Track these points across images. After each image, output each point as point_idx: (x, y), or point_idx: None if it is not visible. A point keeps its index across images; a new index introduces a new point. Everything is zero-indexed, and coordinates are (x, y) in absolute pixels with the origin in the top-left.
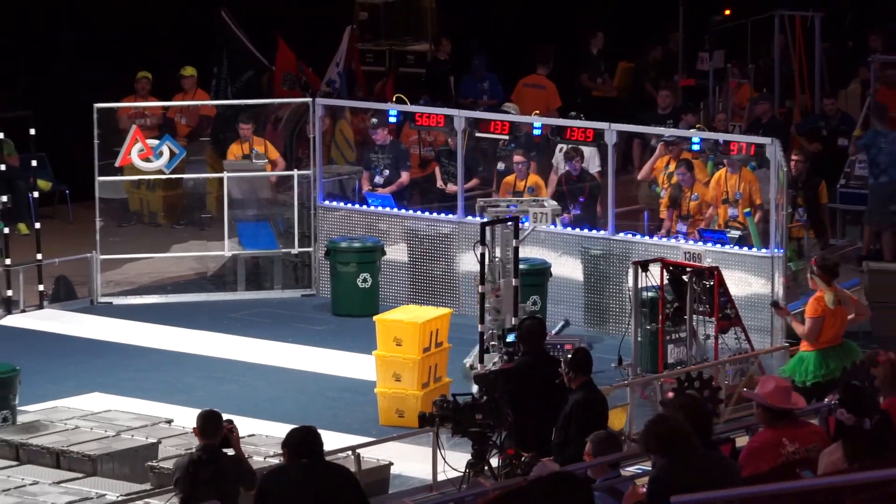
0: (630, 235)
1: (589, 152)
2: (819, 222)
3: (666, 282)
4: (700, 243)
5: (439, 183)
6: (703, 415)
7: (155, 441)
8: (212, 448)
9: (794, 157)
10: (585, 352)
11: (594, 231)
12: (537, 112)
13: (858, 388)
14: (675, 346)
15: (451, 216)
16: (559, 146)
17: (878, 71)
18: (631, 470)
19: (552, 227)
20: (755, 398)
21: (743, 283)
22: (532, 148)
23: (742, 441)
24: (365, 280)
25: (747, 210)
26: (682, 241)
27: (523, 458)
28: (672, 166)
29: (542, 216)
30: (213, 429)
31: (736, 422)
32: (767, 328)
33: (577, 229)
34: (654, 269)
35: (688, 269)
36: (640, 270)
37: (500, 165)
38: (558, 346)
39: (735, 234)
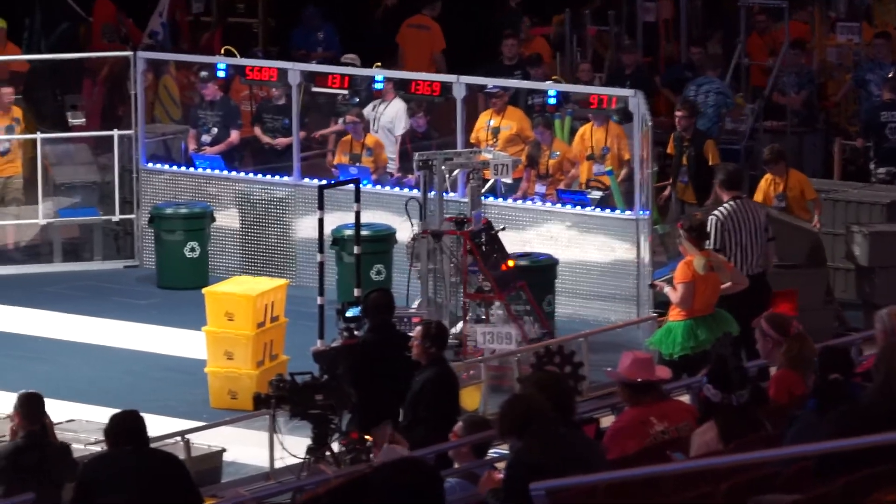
0: (482, 198)
1: (395, 111)
2: (704, 184)
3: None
4: (559, 205)
5: (264, 140)
6: (563, 392)
7: None
8: (35, 434)
9: (678, 113)
10: (442, 325)
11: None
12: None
13: (725, 362)
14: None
15: (286, 178)
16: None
17: (748, 17)
18: (491, 453)
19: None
20: (613, 376)
21: (605, 248)
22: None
23: (607, 421)
24: (193, 249)
25: (609, 168)
26: (540, 202)
27: (367, 443)
28: (495, 120)
29: (503, 168)
30: (36, 413)
31: (600, 400)
32: (633, 297)
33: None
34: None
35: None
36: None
37: (340, 122)
38: (405, 320)
39: (597, 194)
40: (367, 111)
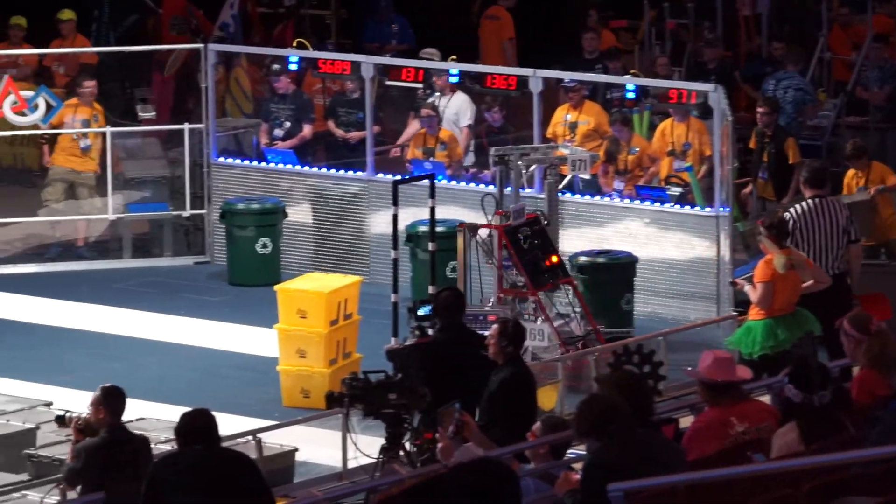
0: (560, 195)
1: (458, 104)
2: (784, 181)
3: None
4: (637, 202)
5: (338, 134)
6: (642, 392)
7: (33, 426)
8: (121, 428)
9: (759, 109)
10: (519, 323)
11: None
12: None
13: (807, 362)
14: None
15: (359, 174)
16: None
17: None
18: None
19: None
20: (694, 375)
21: (685, 246)
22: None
23: (687, 421)
24: (264, 245)
25: (689, 164)
26: (618, 199)
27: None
28: (572, 115)
29: (580, 164)
30: (120, 407)
31: (679, 400)
32: (713, 295)
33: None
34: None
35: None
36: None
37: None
38: (480, 318)
39: (676, 190)
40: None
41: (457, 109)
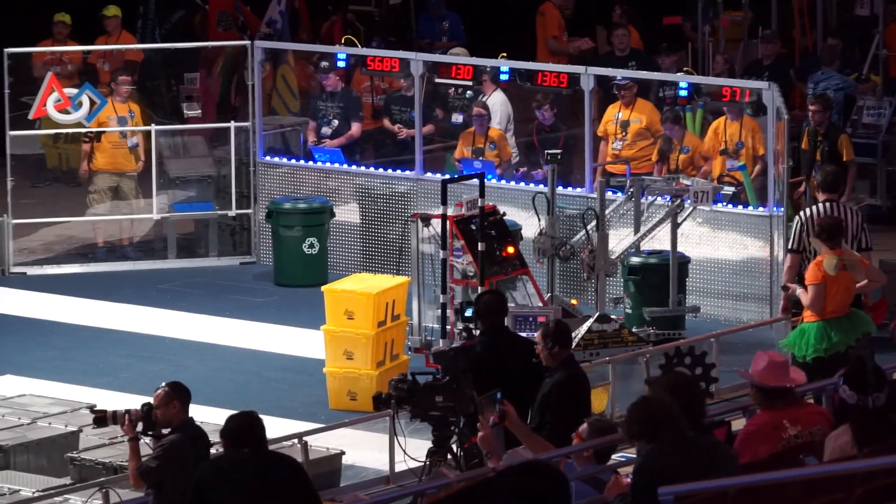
0: (610, 193)
1: (492, 104)
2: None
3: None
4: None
5: (394, 130)
6: (693, 395)
7: (75, 429)
8: (194, 423)
9: (811, 107)
10: (561, 322)
11: (569, 188)
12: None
13: (863, 363)
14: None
15: (408, 172)
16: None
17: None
18: (614, 458)
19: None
20: (747, 377)
21: (738, 246)
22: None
23: (738, 424)
24: (311, 245)
25: (742, 164)
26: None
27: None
28: (624, 113)
29: (703, 196)
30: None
31: (731, 402)
32: (766, 296)
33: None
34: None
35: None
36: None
37: (457, 118)
38: (530, 319)
39: (729, 190)
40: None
41: (498, 109)
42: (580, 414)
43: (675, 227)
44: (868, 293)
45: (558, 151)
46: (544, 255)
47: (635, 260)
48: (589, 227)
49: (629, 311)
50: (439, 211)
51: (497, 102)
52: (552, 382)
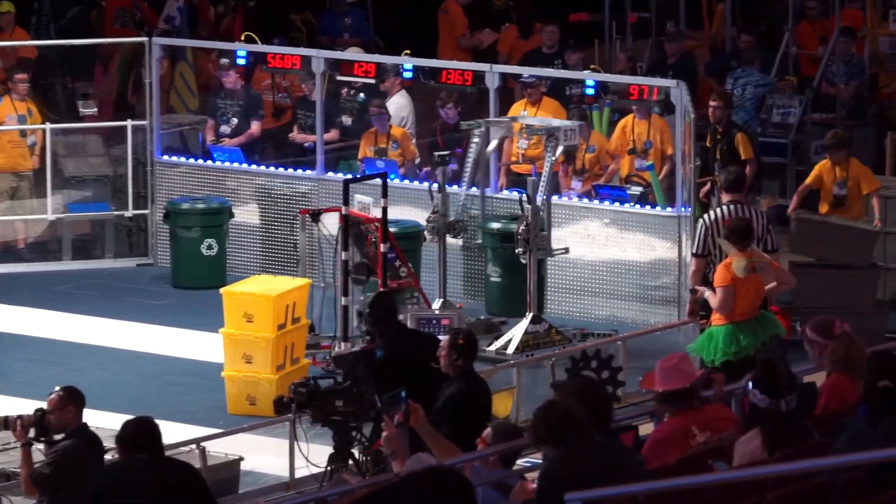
0: (517, 193)
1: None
2: None
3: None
4: (596, 201)
5: (299, 138)
6: (600, 399)
7: None
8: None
9: (712, 103)
10: (471, 335)
11: (474, 189)
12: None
13: (773, 366)
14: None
15: (309, 172)
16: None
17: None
18: (519, 463)
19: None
20: (645, 387)
21: (646, 247)
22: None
23: (646, 429)
24: (210, 247)
25: (650, 163)
26: (576, 199)
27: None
28: (530, 112)
29: (571, 133)
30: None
31: (639, 406)
32: (674, 299)
33: (456, 186)
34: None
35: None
36: (309, 221)
37: (347, 120)
38: (434, 322)
39: (636, 190)
40: None
41: (393, 111)
42: (474, 427)
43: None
44: (773, 296)
45: (447, 153)
46: (437, 234)
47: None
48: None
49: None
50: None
51: (400, 104)
52: (446, 395)
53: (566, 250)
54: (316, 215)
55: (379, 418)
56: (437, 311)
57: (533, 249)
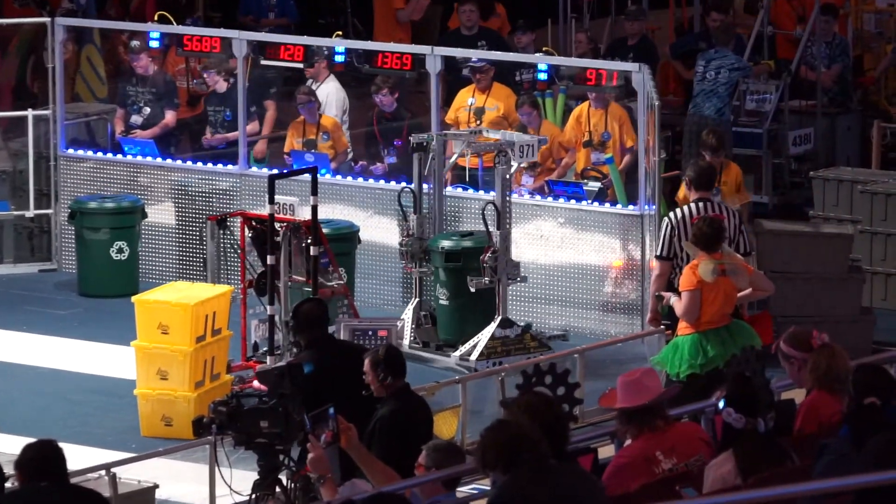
0: (461, 189)
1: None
2: None
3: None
4: (549, 199)
5: (209, 135)
6: (555, 418)
7: None
8: None
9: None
10: (392, 348)
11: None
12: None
13: (748, 381)
14: (261, 322)
15: (230, 167)
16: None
17: None
18: (465, 490)
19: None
20: (605, 404)
21: (606, 249)
22: None
23: (607, 451)
24: (121, 250)
25: (609, 156)
26: (528, 195)
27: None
28: (478, 99)
29: (528, 149)
30: None
31: (598, 427)
32: (637, 306)
33: (394, 182)
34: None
35: (282, 225)
36: (217, 228)
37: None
38: (370, 333)
39: (594, 186)
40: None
41: (324, 99)
42: (412, 450)
43: (505, 185)
44: (745, 304)
45: (425, 137)
46: (413, 260)
47: (447, 243)
48: (409, 214)
49: (445, 301)
50: (265, 210)
51: (332, 91)
52: (377, 417)
53: (524, 279)
54: (222, 221)
55: (307, 439)
56: (372, 321)
57: (502, 279)
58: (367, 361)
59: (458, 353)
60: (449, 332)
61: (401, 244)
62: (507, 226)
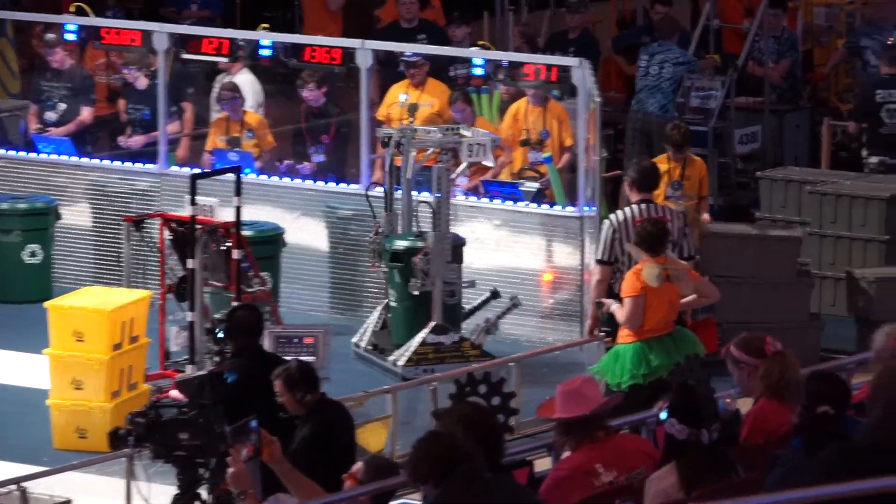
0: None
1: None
2: None
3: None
4: (484, 200)
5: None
6: (490, 429)
7: None
8: None
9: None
10: (304, 364)
11: (343, 184)
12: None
13: (692, 390)
14: (181, 328)
15: (150, 166)
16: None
17: None
18: None
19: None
20: (542, 415)
21: (543, 253)
22: None
23: (544, 464)
24: (33, 254)
25: (547, 155)
26: (461, 196)
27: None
28: (412, 95)
29: (478, 149)
30: None
31: (535, 438)
32: (576, 313)
33: (322, 182)
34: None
35: (198, 227)
36: (134, 230)
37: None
38: (295, 340)
39: (531, 186)
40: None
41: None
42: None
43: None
44: (689, 311)
45: (391, 132)
46: (381, 259)
47: (399, 244)
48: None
49: (395, 303)
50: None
51: (247, 83)
52: (300, 438)
53: (472, 283)
54: (140, 223)
55: (227, 453)
56: (297, 328)
57: (436, 283)
58: (278, 383)
59: (391, 358)
60: (399, 336)
61: (370, 243)
62: (442, 227)
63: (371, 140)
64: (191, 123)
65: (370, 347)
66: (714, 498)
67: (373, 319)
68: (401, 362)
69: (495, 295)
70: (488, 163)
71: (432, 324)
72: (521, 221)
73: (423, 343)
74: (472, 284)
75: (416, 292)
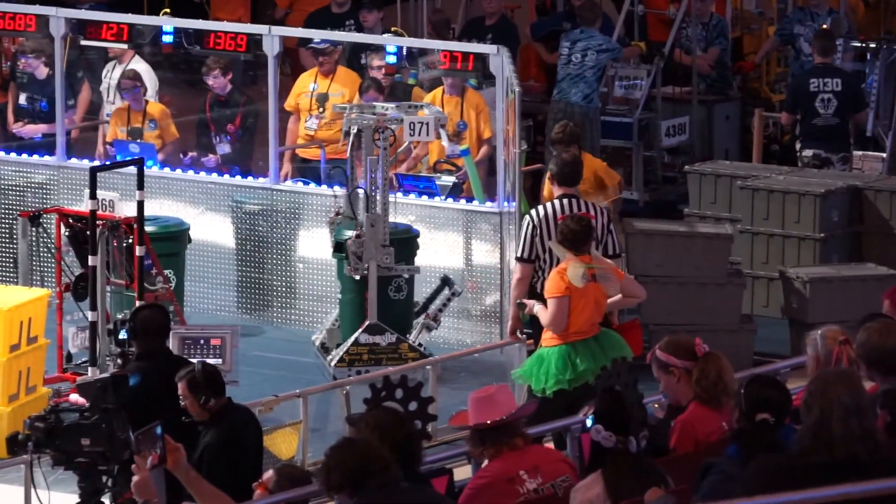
0: (301, 184)
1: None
2: None
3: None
4: (399, 194)
5: (13, 128)
6: (407, 436)
7: None
8: None
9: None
10: (208, 367)
11: (251, 178)
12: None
13: (619, 396)
14: (80, 329)
15: (47, 158)
16: None
17: None
18: None
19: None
20: (455, 423)
21: (461, 250)
22: None
23: (463, 472)
24: None
25: (465, 148)
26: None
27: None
28: (321, 84)
29: (421, 127)
30: None
31: (454, 445)
32: (495, 313)
33: (227, 175)
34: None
35: (99, 222)
36: (30, 225)
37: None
38: (201, 342)
39: (447, 180)
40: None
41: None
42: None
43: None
44: (615, 312)
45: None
46: (364, 263)
47: (347, 233)
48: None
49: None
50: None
51: (143, 72)
52: (203, 445)
53: (417, 269)
54: (36, 218)
55: (131, 460)
56: (203, 329)
57: (371, 267)
58: (182, 385)
59: (328, 359)
60: (346, 333)
61: (348, 246)
62: (376, 210)
63: (279, 131)
64: (85, 104)
65: (319, 346)
66: None
67: (332, 316)
68: (332, 364)
69: (446, 282)
70: (430, 139)
71: (367, 323)
72: (437, 217)
73: (357, 343)
74: (416, 270)
75: (357, 276)
